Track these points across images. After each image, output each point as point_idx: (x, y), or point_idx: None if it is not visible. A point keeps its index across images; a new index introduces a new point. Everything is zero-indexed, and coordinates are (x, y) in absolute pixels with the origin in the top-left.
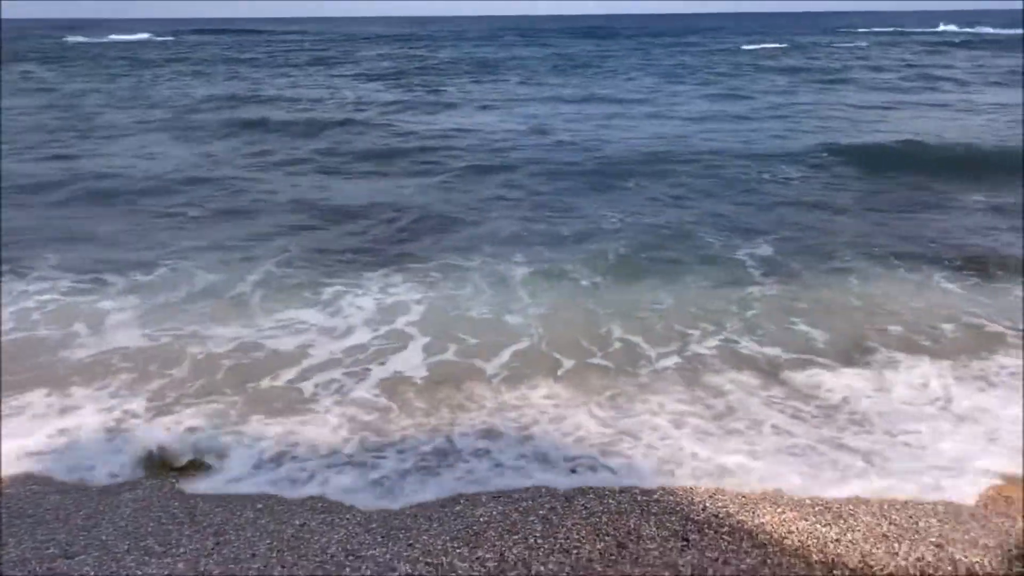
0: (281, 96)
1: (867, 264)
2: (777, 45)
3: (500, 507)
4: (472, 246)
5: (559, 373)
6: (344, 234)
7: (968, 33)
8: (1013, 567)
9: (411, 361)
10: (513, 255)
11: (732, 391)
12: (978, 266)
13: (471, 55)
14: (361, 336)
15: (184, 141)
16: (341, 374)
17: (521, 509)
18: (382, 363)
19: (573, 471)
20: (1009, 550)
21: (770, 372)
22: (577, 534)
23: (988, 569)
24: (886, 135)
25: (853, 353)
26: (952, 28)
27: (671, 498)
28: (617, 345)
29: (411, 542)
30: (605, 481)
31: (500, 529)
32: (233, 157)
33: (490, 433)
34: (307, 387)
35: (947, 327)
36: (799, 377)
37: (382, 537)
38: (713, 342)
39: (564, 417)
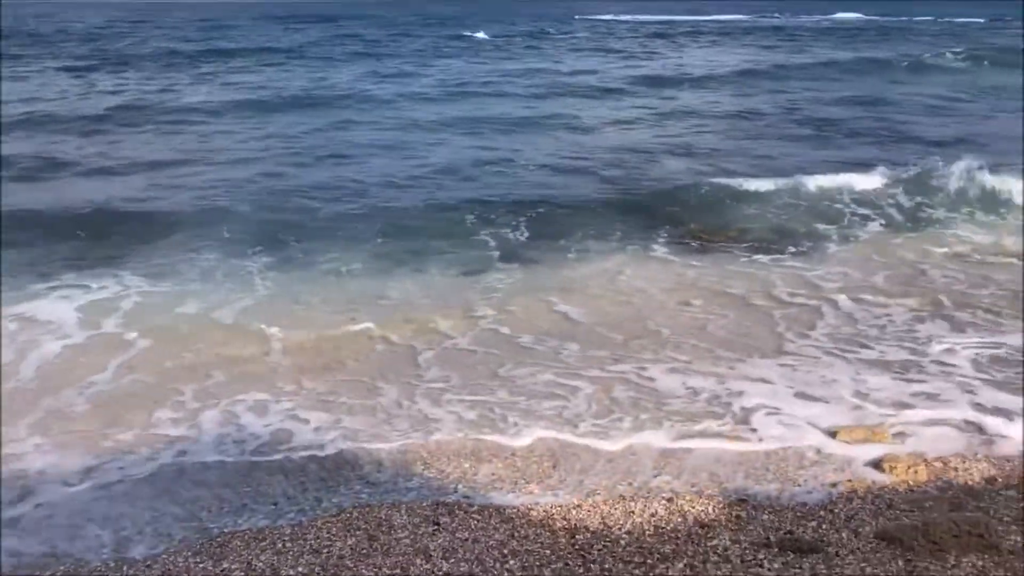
0: None
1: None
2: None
3: (247, 515)
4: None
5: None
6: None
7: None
8: (733, 510)
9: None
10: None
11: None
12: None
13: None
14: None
15: None
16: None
17: (267, 513)
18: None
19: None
20: (729, 496)
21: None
22: (328, 532)
23: (712, 515)
24: None
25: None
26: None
27: (423, 484)
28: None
29: (148, 563)
30: (357, 476)
31: (246, 538)
32: None
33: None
34: None
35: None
36: None
37: None
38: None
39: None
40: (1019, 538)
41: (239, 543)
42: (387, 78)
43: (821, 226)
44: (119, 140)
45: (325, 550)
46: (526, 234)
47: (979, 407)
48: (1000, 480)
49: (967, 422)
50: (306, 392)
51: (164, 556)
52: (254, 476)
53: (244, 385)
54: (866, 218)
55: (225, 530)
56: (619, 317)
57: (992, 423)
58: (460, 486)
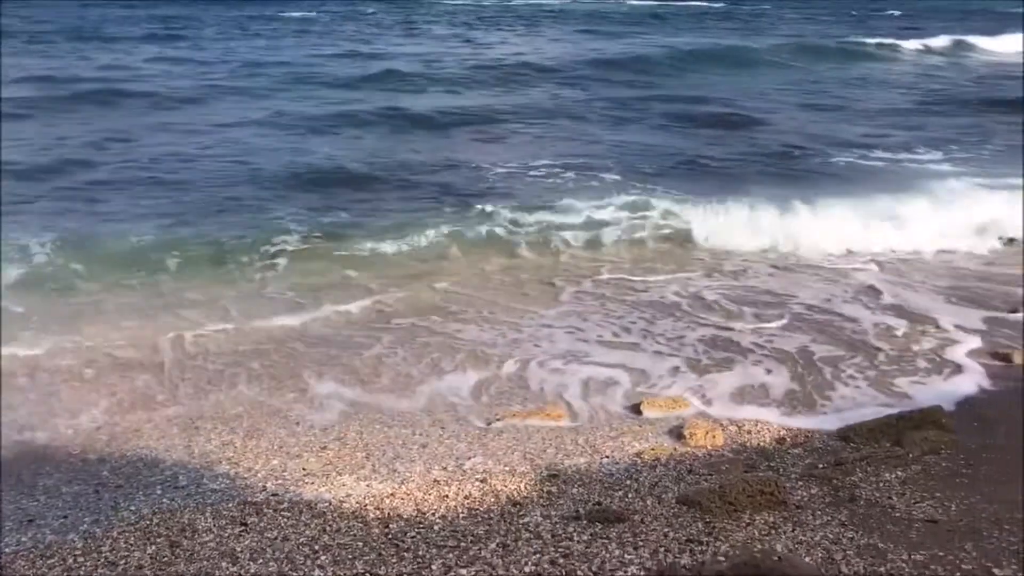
0: None
1: None
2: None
3: (32, 532)
4: None
5: None
6: None
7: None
8: (545, 486)
9: None
10: None
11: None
12: None
13: None
14: None
15: None
16: None
17: (57, 528)
18: None
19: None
20: (541, 473)
21: None
22: (125, 542)
23: (524, 493)
24: None
25: None
26: None
27: (229, 484)
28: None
29: None
30: (158, 480)
31: (31, 556)
32: None
33: None
34: None
35: None
36: None
37: None
38: None
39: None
40: (805, 493)
41: (23, 563)
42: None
43: None
44: None
45: (122, 561)
46: None
47: (769, 373)
48: (788, 440)
49: (758, 386)
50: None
51: None
52: (40, 486)
53: None
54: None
55: (6, 551)
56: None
57: (775, 383)
58: (269, 483)
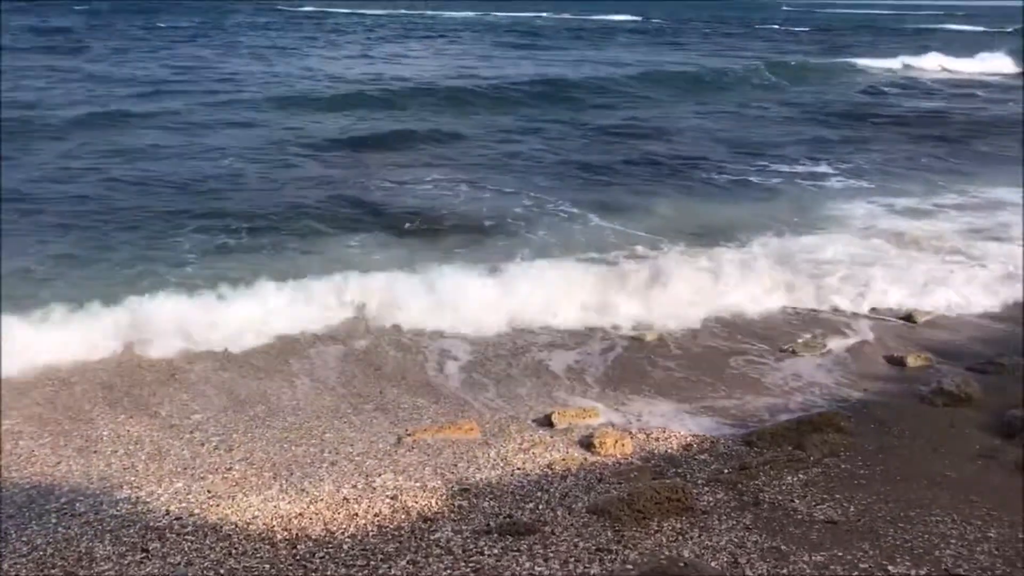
0: None
1: None
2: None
3: None
4: None
5: None
6: None
7: None
8: (456, 501)
9: None
10: None
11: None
12: None
13: None
14: None
15: None
16: None
17: None
18: None
19: None
20: (452, 487)
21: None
22: (16, 575)
23: (435, 508)
24: None
25: None
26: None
27: (130, 509)
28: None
29: None
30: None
31: None
32: None
33: None
34: None
35: None
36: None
37: None
38: None
39: None
40: (711, 498)
41: None
42: None
43: None
44: None
45: None
46: None
47: (679, 377)
48: (695, 446)
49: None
50: None
51: None
52: None
53: None
54: None
55: None
56: None
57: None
58: (173, 507)
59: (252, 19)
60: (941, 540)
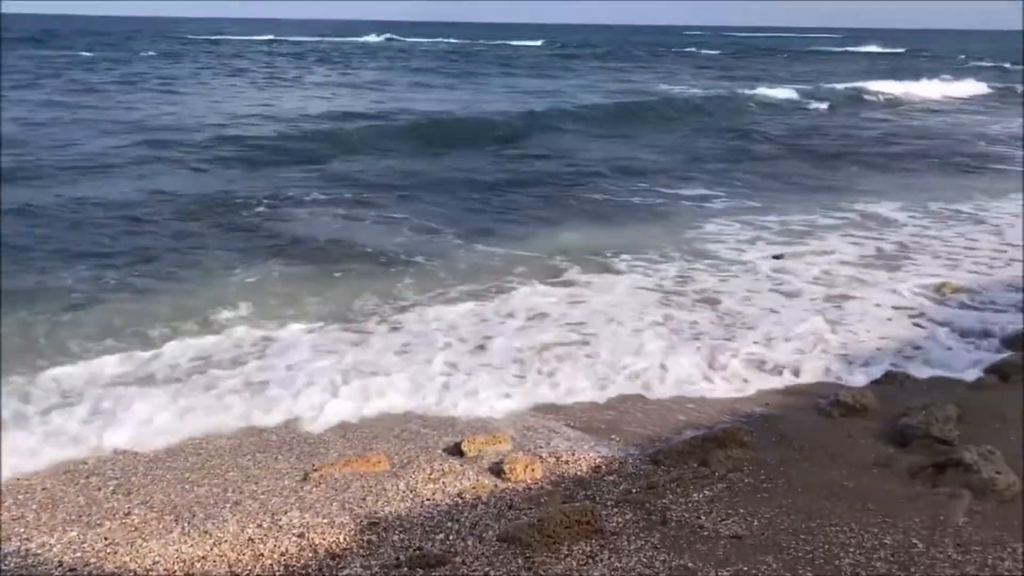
0: None
1: None
2: None
3: None
4: None
5: None
6: None
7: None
8: (365, 535)
9: None
10: None
11: None
12: None
13: None
14: None
15: None
16: None
17: None
18: None
19: None
20: (361, 522)
21: None
22: None
23: (344, 544)
24: None
25: None
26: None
27: (19, 563)
28: None
29: None
30: None
31: None
32: None
33: None
34: None
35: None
36: None
37: None
38: None
39: None
40: (620, 519)
41: None
42: None
43: None
44: None
45: None
46: None
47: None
48: (604, 467)
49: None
50: None
51: None
52: None
53: None
54: None
55: None
56: None
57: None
58: (66, 558)
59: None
60: (840, 549)
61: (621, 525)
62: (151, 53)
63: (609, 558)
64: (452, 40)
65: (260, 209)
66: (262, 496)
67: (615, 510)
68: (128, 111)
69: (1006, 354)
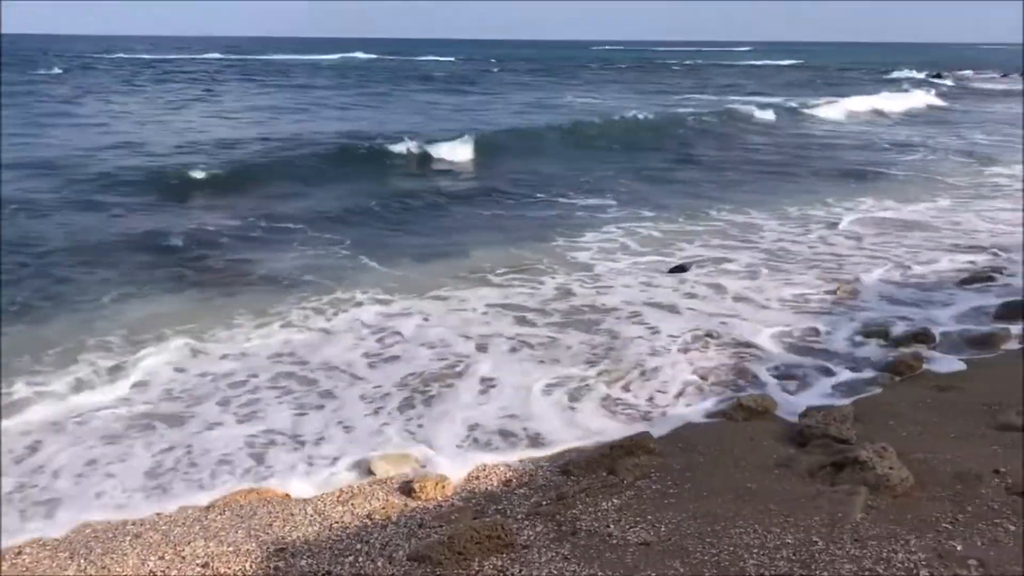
0: None
1: None
2: None
3: None
4: None
5: None
6: None
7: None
8: (272, 562)
9: None
10: None
11: None
12: None
13: None
14: None
15: None
16: None
17: None
18: None
19: None
20: (267, 549)
21: None
22: None
23: (250, 572)
24: None
25: None
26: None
27: None
28: None
29: None
30: None
31: None
32: None
33: None
34: None
35: None
36: None
37: None
38: None
39: None
40: (531, 532)
41: None
42: None
43: None
44: None
45: None
46: None
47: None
48: (515, 481)
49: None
50: None
51: None
52: None
53: None
54: None
55: None
56: None
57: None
58: None
59: None
60: (745, 551)
61: (532, 538)
62: None
63: (520, 572)
64: (359, 54)
65: None
66: (164, 527)
67: (526, 523)
68: None
69: (899, 351)
